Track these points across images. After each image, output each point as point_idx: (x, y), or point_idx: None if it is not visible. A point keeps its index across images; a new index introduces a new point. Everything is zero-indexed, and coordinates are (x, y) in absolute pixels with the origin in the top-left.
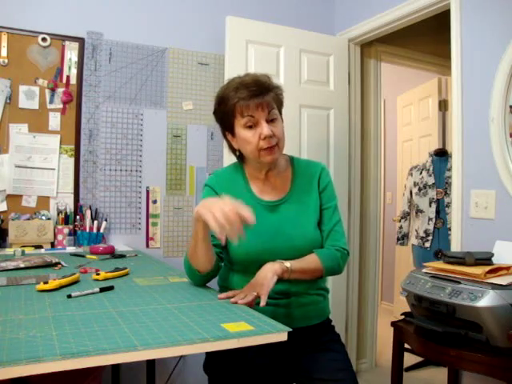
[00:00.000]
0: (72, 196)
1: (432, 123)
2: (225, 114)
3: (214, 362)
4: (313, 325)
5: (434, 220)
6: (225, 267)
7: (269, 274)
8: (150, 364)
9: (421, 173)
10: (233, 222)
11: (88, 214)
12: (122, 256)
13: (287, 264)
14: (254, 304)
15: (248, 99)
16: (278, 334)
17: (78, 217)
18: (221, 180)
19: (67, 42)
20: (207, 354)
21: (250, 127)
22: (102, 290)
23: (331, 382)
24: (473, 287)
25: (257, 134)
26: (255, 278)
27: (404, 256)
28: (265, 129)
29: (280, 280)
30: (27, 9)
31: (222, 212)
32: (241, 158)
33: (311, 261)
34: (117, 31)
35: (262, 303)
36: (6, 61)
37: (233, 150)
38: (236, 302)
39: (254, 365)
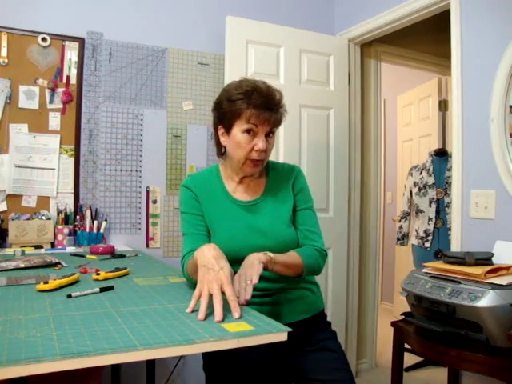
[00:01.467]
0: (72, 196)
1: (432, 123)
2: (230, 112)
3: (211, 361)
4: (304, 319)
5: (433, 220)
6: None
7: (255, 261)
8: (150, 364)
9: (421, 173)
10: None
11: (88, 213)
12: (122, 256)
13: (270, 254)
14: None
15: (260, 109)
16: (278, 333)
17: (78, 217)
18: (196, 181)
19: (67, 42)
20: (203, 353)
21: (248, 133)
22: (102, 289)
23: (328, 382)
24: (473, 287)
25: (252, 143)
26: (242, 268)
27: (404, 256)
28: (261, 143)
29: (262, 278)
30: (27, 9)
31: (209, 291)
32: (223, 154)
33: (293, 256)
34: (117, 31)
35: (254, 281)
36: (6, 61)
37: (218, 143)
38: (242, 303)
39: (249, 362)
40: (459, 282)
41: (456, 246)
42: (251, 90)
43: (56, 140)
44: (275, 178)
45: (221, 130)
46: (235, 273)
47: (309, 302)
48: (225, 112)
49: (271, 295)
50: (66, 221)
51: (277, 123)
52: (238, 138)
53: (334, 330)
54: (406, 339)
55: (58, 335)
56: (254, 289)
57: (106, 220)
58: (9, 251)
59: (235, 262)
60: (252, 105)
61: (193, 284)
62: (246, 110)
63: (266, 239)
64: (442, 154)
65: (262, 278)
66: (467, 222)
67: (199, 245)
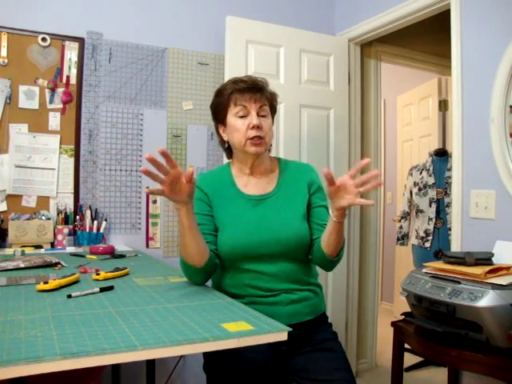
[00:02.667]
0: (72, 196)
1: (432, 123)
2: (220, 103)
3: (212, 361)
4: (306, 321)
5: (433, 220)
6: (218, 270)
7: None
8: (150, 364)
9: (421, 173)
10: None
11: (88, 214)
12: (121, 256)
13: None
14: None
15: (243, 90)
16: (278, 333)
17: (77, 217)
18: (207, 179)
19: (67, 42)
20: (204, 353)
21: (241, 117)
22: (102, 289)
23: (329, 381)
24: (473, 287)
25: (246, 122)
26: None
27: (404, 256)
28: (254, 118)
29: (266, 277)
30: (27, 9)
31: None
32: (229, 150)
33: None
34: (117, 31)
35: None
36: (6, 61)
37: (223, 143)
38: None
39: (249, 362)
40: (459, 282)
41: (456, 246)
42: (234, 81)
43: (56, 140)
44: (288, 174)
45: (221, 128)
46: (247, 271)
47: (312, 304)
48: (217, 106)
49: (276, 296)
50: (65, 221)
51: (265, 101)
52: (232, 123)
53: (335, 330)
54: (406, 339)
55: (58, 335)
56: (259, 288)
57: (105, 220)
58: (9, 251)
59: (245, 258)
60: (236, 89)
61: (192, 280)
62: (231, 96)
63: (276, 233)
64: (442, 154)
65: (268, 277)
66: (467, 222)
67: None
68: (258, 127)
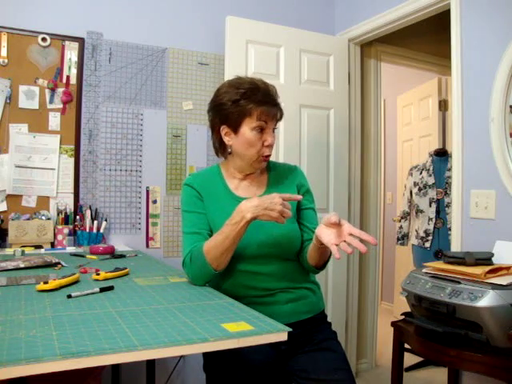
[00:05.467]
0: (72, 196)
1: (432, 123)
2: (236, 112)
3: (212, 361)
4: (305, 319)
5: (434, 220)
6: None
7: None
8: (150, 364)
9: (421, 173)
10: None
11: (88, 213)
12: (121, 256)
13: None
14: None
15: (268, 106)
16: (278, 333)
17: (77, 217)
18: (198, 179)
19: (67, 42)
20: (204, 353)
21: (257, 130)
22: (102, 289)
23: (329, 381)
24: (473, 287)
25: (262, 139)
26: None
27: (404, 256)
28: (270, 138)
29: (264, 276)
30: (27, 9)
31: (277, 206)
32: (225, 152)
33: None
34: (117, 31)
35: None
36: (6, 61)
37: (219, 143)
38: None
39: (249, 362)
40: (459, 282)
41: (456, 246)
42: (253, 88)
43: (56, 140)
44: (277, 176)
45: (224, 130)
46: (243, 272)
47: (310, 303)
48: (230, 112)
49: (273, 295)
50: (65, 221)
51: (280, 117)
52: (247, 135)
53: (335, 330)
54: (406, 339)
55: (57, 335)
56: (256, 288)
57: (105, 220)
58: (9, 251)
59: (239, 259)
60: (260, 103)
61: (199, 280)
62: (256, 109)
63: (268, 235)
64: (442, 154)
65: (264, 277)
66: (467, 222)
67: (200, 245)
68: (271, 146)
